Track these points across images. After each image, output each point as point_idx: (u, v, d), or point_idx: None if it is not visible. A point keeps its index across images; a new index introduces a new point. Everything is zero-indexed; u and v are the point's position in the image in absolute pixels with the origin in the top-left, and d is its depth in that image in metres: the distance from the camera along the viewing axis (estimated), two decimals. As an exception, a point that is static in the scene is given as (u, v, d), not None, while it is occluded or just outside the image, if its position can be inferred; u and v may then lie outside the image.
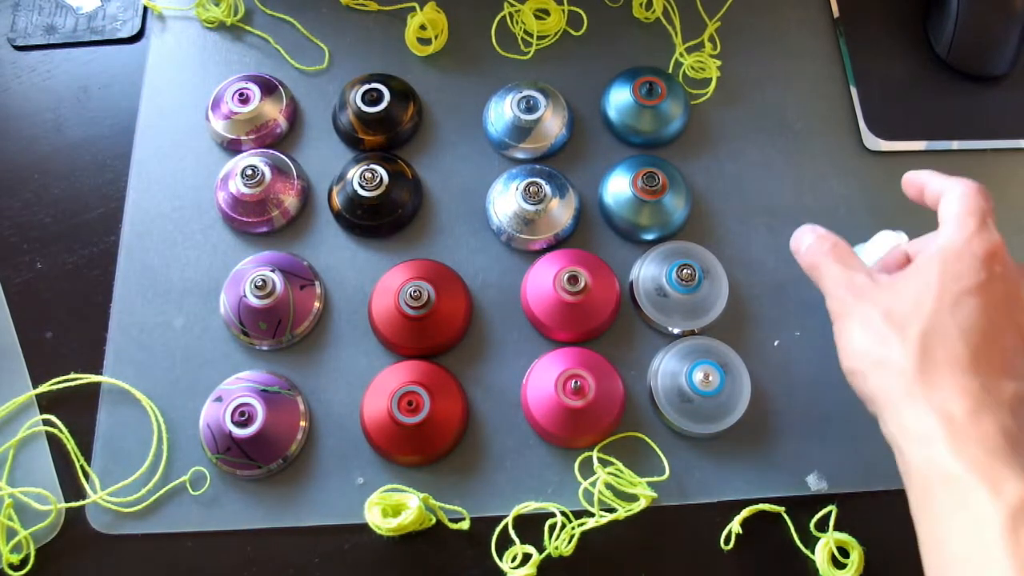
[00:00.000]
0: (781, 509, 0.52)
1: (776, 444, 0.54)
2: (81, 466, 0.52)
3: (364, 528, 0.50)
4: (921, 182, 0.45)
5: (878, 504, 0.53)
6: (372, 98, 0.60)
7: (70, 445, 0.53)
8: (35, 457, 0.53)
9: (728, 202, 0.61)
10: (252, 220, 0.58)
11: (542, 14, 0.66)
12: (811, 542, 0.51)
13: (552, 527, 0.50)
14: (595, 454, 0.52)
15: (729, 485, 0.53)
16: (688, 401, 0.52)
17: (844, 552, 0.51)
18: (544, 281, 0.55)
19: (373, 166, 0.57)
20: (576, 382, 0.51)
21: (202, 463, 0.53)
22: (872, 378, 0.39)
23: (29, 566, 0.50)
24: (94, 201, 0.60)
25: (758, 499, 0.52)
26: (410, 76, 0.64)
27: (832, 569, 0.50)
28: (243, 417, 0.51)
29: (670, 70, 0.65)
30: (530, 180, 0.57)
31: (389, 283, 0.55)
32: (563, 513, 0.51)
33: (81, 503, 0.51)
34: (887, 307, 0.39)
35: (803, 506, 0.52)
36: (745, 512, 0.51)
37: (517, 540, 0.50)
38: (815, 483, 0.53)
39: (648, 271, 0.56)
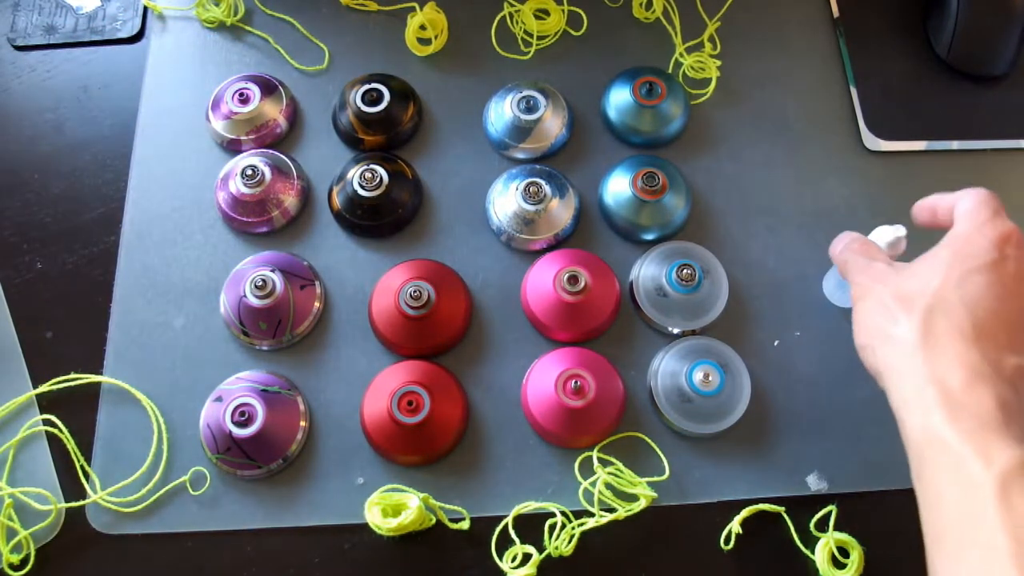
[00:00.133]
0: (781, 509, 0.52)
1: (776, 444, 0.54)
2: (81, 466, 0.52)
3: (364, 528, 0.50)
4: (931, 204, 0.46)
5: (878, 504, 0.53)
6: (372, 98, 0.60)
7: (70, 445, 0.53)
8: (35, 457, 0.53)
9: (728, 202, 0.61)
10: (252, 220, 0.58)
11: (542, 14, 0.66)
12: (811, 542, 0.51)
13: (552, 527, 0.50)
14: (595, 454, 0.52)
15: (729, 485, 0.53)
16: (688, 401, 0.52)
17: (844, 552, 0.51)
18: (544, 281, 0.55)
19: (373, 166, 0.57)
20: (576, 382, 0.51)
21: (202, 463, 0.53)
22: (879, 351, 0.41)
23: (29, 566, 0.50)
24: (94, 201, 0.60)
25: (758, 499, 0.52)
26: (410, 76, 0.64)
27: (832, 569, 0.50)
28: (243, 417, 0.51)
29: (670, 70, 0.65)
30: (530, 180, 0.57)
31: (389, 283, 0.55)
32: (563, 513, 0.51)
33: (81, 503, 0.51)
34: (898, 287, 0.42)
35: (803, 506, 0.52)
36: (745, 512, 0.51)
37: (517, 540, 0.50)
38: (815, 483, 0.53)
39: (648, 271, 0.56)
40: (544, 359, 0.54)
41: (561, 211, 0.58)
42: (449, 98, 0.63)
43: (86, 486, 0.52)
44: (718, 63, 0.64)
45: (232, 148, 0.61)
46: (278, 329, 0.54)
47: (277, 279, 0.54)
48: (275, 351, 0.56)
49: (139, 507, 0.51)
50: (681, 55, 0.65)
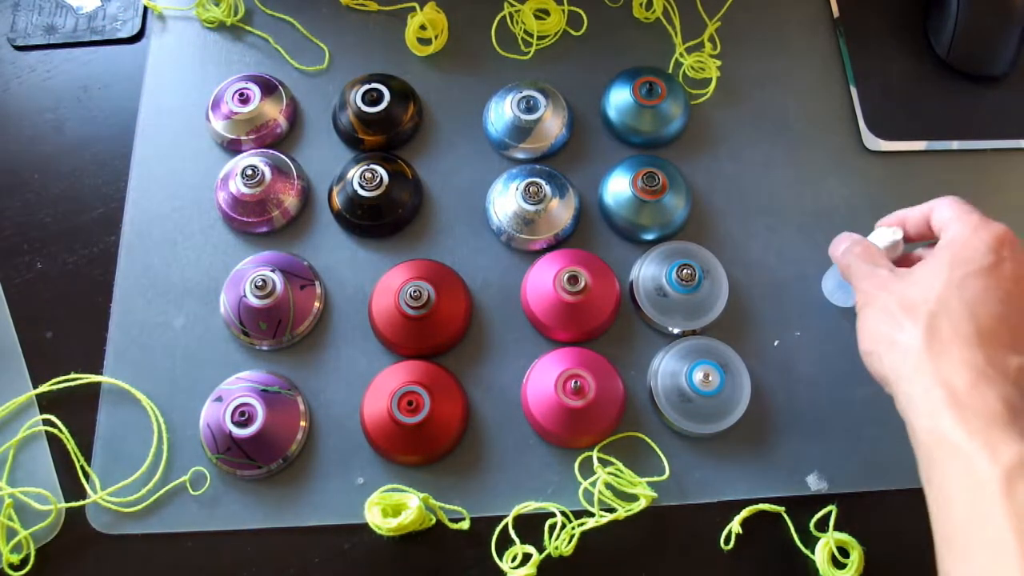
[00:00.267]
0: (781, 509, 0.52)
1: (776, 444, 0.54)
2: (81, 466, 0.52)
3: (364, 528, 0.50)
4: (899, 217, 0.49)
5: (878, 504, 0.53)
6: (372, 98, 0.60)
7: (70, 445, 0.53)
8: (35, 457, 0.53)
9: (728, 202, 0.61)
10: (252, 220, 0.58)
11: (542, 14, 0.66)
12: (811, 542, 0.51)
13: (552, 527, 0.50)
14: (595, 454, 0.52)
15: (729, 485, 0.53)
16: (688, 401, 0.52)
17: (844, 552, 0.51)
18: (544, 281, 0.55)
19: (373, 166, 0.57)
20: (576, 382, 0.51)
21: (202, 463, 0.53)
22: (886, 358, 0.42)
23: (29, 566, 0.50)
24: (94, 201, 0.60)
25: (758, 499, 0.52)
26: (410, 76, 0.64)
27: (832, 569, 0.50)
28: (243, 417, 0.51)
29: (670, 70, 0.65)
30: (530, 180, 0.57)
31: (389, 283, 0.55)
32: (563, 513, 0.51)
33: (81, 503, 0.51)
34: (902, 294, 0.42)
35: (803, 506, 0.52)
36: (745, 512, 0.51)
37: (517, 540, 0.50)
38: (815, 483, 0.53)
39: (648, 271, 0.56)
40: (544, 359, 0.54)
41: (561, 211, 0.58)
42: (449, 98, 0.64)
43: (86, 486, 0.52)
44: (718, 63, 0.64)
45: (232, 148, 0.61)
46: (278, 329, 0.54)
47: (277, 279, 0.54)
48: (275, 351, 0.56)
49: (139, 507, 0.51)
50: (681, 55, 0.65)
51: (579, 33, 0.66)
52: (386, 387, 0.52)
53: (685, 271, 0.54)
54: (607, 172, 0.60)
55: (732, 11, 0.67)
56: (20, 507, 0.51)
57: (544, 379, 0.52)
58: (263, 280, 0.53)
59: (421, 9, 0.63)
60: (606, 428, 0.53)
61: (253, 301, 0.53)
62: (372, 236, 0.59)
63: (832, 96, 0.65)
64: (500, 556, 0.50)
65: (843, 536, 0.51)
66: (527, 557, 0.49)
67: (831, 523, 0.51)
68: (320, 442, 0.53)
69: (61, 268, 0.58)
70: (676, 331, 0.56)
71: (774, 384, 0.55)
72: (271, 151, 0.60)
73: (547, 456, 0.53)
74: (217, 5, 0.65)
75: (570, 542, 0.50)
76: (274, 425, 0.51)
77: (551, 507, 0.51)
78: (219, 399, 0.52)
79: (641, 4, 0.66)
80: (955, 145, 0.63)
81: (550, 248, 0.58)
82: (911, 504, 0.53)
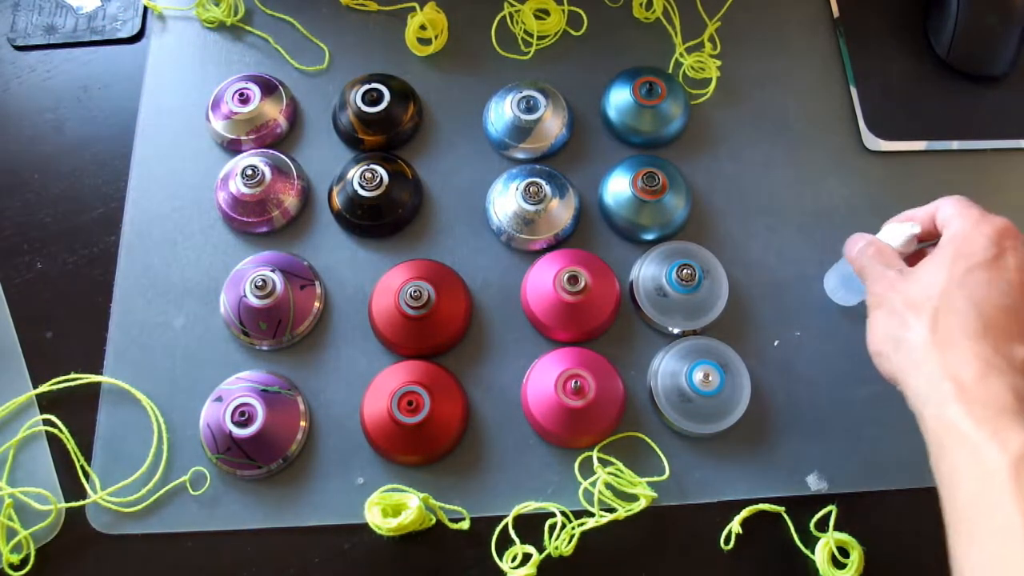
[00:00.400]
0: (781, 509, 0.52)
1: (776, 444, 0.54)
2: (81, 466, 0.52)
3: (364, 528, 0.50)
4: (906, 217, 0.48)
5: (878, 504, 0.53)
6: (372, 98, 0.60)
7: (70, 445, 0.53)
8: (35, 457, 0.53)
9: (728, 202, 0.61)
10: (252, 220, 0.58)
11: (542, 14, 0.66)
12: (811, 542, 0.51)
13: (552, 527, 0.50)
14: (595, 454, 0.52)
15: (729, 485, 0.53)
16: (688, 401, 0.52)
17: (844, 552, 0.51)
18: (544, 281, 0.55)
19: (373, 166, 0.57)
20: (576, 382, 0.51)
21: (202, 463, 0.53)
22: (894, 357, 0.42)
23: (29, 566, 0.50)
24: (94, 201, 0.60)
25: (758, 499, 0.52)
26: (410, 76, 0.64)
27: (832, 569, 0.50)
28: (243, 417, 0.51)
29: (670, 70, 0.65)
30: (530, 180, 0.57)
31: (389, 283, 0.55)
32: (563, 513, 0.51)
33: (81, 503, 0.51)
34: (906, 293, 0.43)
35: (803, 506, 0.52)
36: (745, 512, 0.51)
37: (517, 540, 0.50)
38: (815, 483, 0.53)
39: (648, 271, 0.56)
40: (544, 359, 0.54)
41: (561, 211, 0.58)
42: (449, 98, 0.64)
43: (86, 486, 0.52)
44: (718, 63, 0.64)
45: (232, 148, 0.61)
46: (278, 329, 0.54)
47: (277, 279, 0.54)
48: (275, 351, 0.56)
49: (139, 507, 0.51)
50: (681, 55, 0.65)
51: (579, 33, 0.66)
52: (386, 387, 0.52)
53: (685, 271, 0.54)
54: (607, 172, 0.60)
55: (732, 11, 0.67)
56: (20, 507, 0.51)
57: (544, 379, 0.52)
58: (263, 280, 0.53)
59: (421, 9, 0.63)
60: (606, 428, 0.53)
61: (253, 301, 0.53)
62: (372, 236, 0.59)
63: (832, 96, 0.65)
64: (500, 556, 0.50)
65: (843, 536, 0.51)
66: (527, 557, 0.49)
67: (831, 523, 0.51)
68: (320, 442, 0.53)
69: (61, 268, 0.58)
70: (676, 331, 0.56)
71: (774, 384, 0.55)
72: (271, 151, 0.60)
73: (547, 456, 0.53)
74: (217, 5, 0.65)
75: (570, 542, 0.50)
76: (274, 425, 0.51)
77: (551, 507, 0.51)
78: (219, 399, 0.52)
79: (641, 4, 0.66)
80: (955, 145, 0.63)
81: (550, 248, 0.58)
82: (911, 504, 0.53)
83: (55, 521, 0.51)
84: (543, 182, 0.57)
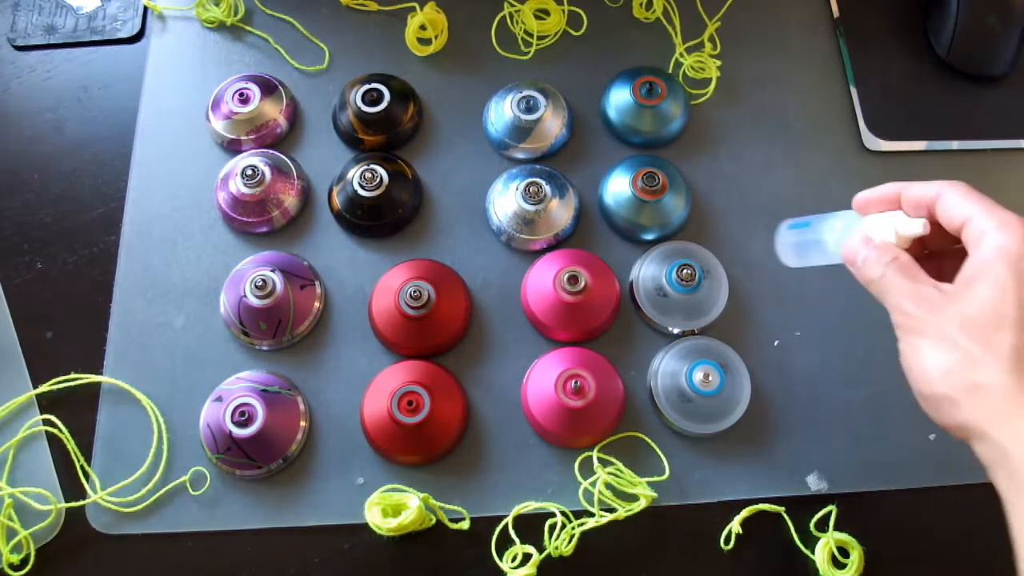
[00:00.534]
0: (781, 509, 0.52)
1: (776, 444, 0.54)
2: (81, 466, 0.52)
3: (364, 528, 0.50)
4: (888, 195, 0.41)
5: (878, 504, 0.53)
6: (372, 98, 0.60)
7: (70, 445, 0.53)
8: (35, 457, 0.53)
9: (728, 202, 0.61)
10: (252, 220, 0.58)
11: (542, 14, 0.66)
12: (811, 542, 0.51)
13: (552, 527, 0.50)
14: (595, 454, 0.52)
15: (729, 485, 0.53)
16: (688, 401, 0.52)
17: (844, 552, 0.51)
18: (544, 281, 0.55)
19: (373, 166, 0.57)
20: (576, 382, 0.51)
21: (202, 463, 0.53)
22: (966, 406, 0.35)
23: (29, 566, 0.50)
24: (94, 201, 0.60)
25: (758, 499, 0.52)
26: (410, 76, 0.64)
27: (832, 569, 0.50)
28: (243, 417, 0.51)
29: (670, 70, 0.65)
30: (530, 180, 0.57)
31: (389, 283, 0.55)
32: (563, 513, 0.51)
33: (81, 503, 0.51)
34: (964, 319, 0.35)
35: (803, 506, 0.52)
36: (745, 512, 0.51)
37: (517, 540, 0.50)
38: (815, 483, 0.53)
39: (648, 271, 0.56)
40: (544, 359, 0.54)
41: (561, 211, 0.58)
42: (449, 98, 0.63)
43: (86, 486, 0.52)
44: (718, 63, 0.64)
45: (232, 148, 0.61)
46: (278, 329, 0.54)
47: (277, 279, 0.54)
48: (275, 351, 0.56)
49: (139, 507, 0.51)
50: (681, 55, 0.65)
51: (579, 33, 0.66)
52: (386, 387, 0.52)
53: (685, 271, 0.54)
54: (607, 172, 0.60)
55: (732, 11, 0.67)
56: (20, 507, 0.51)
57: (544, 379, 0.52)
58: (263, 280, 0.53)
59: (421, 9, 0.63)
60: (606, 428, 0.53)
61: (253, 301, 0.53)
62: (372, 236, 0.59)
63: (832, 96, 0.65)
64: (500, 556, 0.50)
65: (843, 536, 0.51)
66: (527, 557, 0.49)
67: (831, 523, 0.51)
68: (320, 442, 0.53)
69: (61, 268, 0.58)
70: (676, 331, 0.56)
71: (774, 384, 0.55)
72: (271, 151, 0.60)
73: (547, 456, 0.53)
74: (217, 5, 0.65)
75: (570, 542, 0.50)
76: (274, 425, 0.51)
77: (551, 507, 0.51)
78: (219, 399, 0.52)
79: (641, 4, 0.66)
80: (955, 145, 0.63)
81: (550, 248, 0.58)
82: (911, 504, 0.53)
83: (55, 521, 0.51)
84: (543, 182, 0.57)
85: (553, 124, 0.60)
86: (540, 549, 0.50)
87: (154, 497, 0.52)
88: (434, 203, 0.60)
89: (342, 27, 0.66)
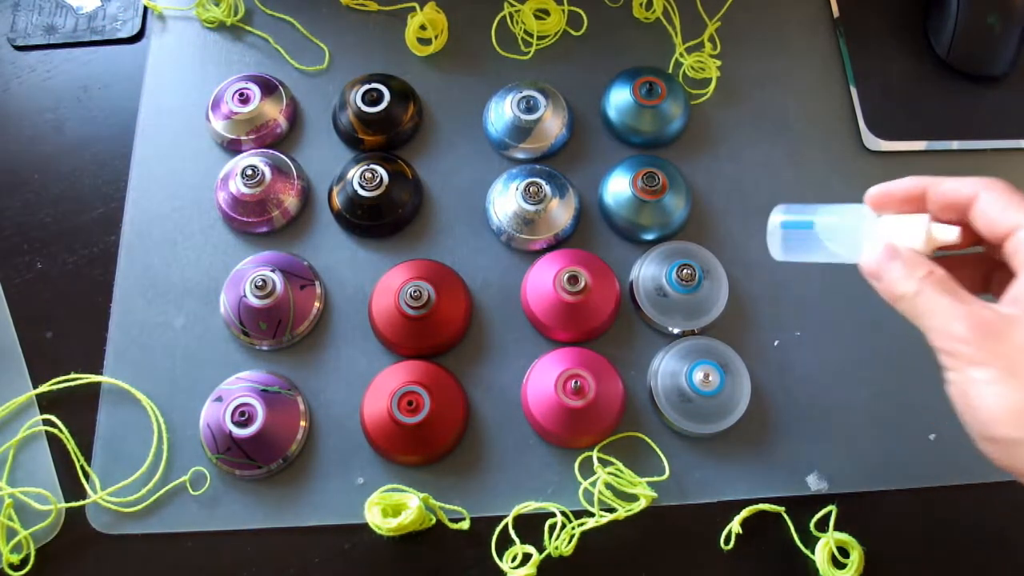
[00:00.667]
0: (781, 509, 0.52)
1: (776, 444, 0.54)
2: (81, 466, 0.52)
3: (364, 528, 0.50)
4: (920, 185, 0.36)
5: (878, 504, 0.53)
6: (372, 98, 0.60)
7: (70, 445, 0.53)
8: (35, 457, 0.53)
9: (728, 202, 0.61)
10: (252, 220, 0.58)
11: (542, 14, 0.66)
12: (811, 542, 0.51)
13: (552, 527, 0.50)
14: (595, 454, 0.52)
15: (729, 485, 0.53)
16: (688, 401, 0.52)
17: (844, 552, 0.51)
18: (544, 281, 0.55)
19: (373, 166, 0.57)
20: (576, 382, 0.51)
21: (202, 463, 0.53)
22: None
23: (29, 566, 0.50)
24: (94, 201, 0.60)
25: (758, 499, 0.52)
26: (410, 76, 0.64)
27: (832, 569, 0.50)
28: (243, 417, 0.51)
29: (670, 70, 0.65)
30: (530, 180, 0.57)
31: (389, 283, 0.55)
32: (563, 513, 0.51)
33: (81, 503, 0.51)
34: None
35: (803, 506, 0.52)
36: (745, 512, 0.51)
37: (517, 540, 0.50)
38: (815, 483, 0.53)
39: (648, 271, 0.56)
40: (544, 359, 0.54)
41: (561, 211, 0.58)
42: (449, 98, 0.63)
43: (86, 486, 0.52)
44: (718, 63, 0.64)
45: (232, 148, 0.61)
46: (278, 329, 0.54)
47: (277, 279, 0.54)
48: (275, 351, 0.56)
49: (139, 507, 0.51)
50: (681, 55, 0.65)
51: (579, 33, 0.66)
52: (386, 387, 0.52)
53: (685, 271, 0.54)
54: (607, 172, 0.60)
55: (732, 11, 0.67)
56: (20, 507, 0.51)
57: (544, 379, 0.52)
58: (263, 280, 0.53)
59: (421, 9, 0.63)
60: (606, 428, 0.53)
61: (253, 301, 0.53)
62: (372, 236, 0.59)
63: (832, 96, 0.65)
64: (500, 556, 0.50)
65: (843, 536, 0.51)
66: (527, 557, 0.49)
67: (831, 523, 0.51)
68: (320, 442, 0.53)
69: (61, 268, 0.58)
70: (676, 331, 0.56)
71: (774, 384, 0.55)
72: (271, 151, 0.60)
73: (547, 456, 0.53)
74: (217, 5, 0.65)
75: (570, 542, 0.50)
76: (274, 425, 0.51)
77: (551, 507, 0.51)
78: (219, 399, 0.52)
79: (641, 4, 0.66)
80: (955, 145, 0.63)
81: (550, 248, 0.58)
82: (911, 504, 0.53)
83: (55, 521, 0.51)
84: (543, 182, 0.57)
85: (553, 124, 0.60)
86: (540, 549, 0.50)
87: (154, 497, 0.52)
88: (434, 203, 0.60)
89: (342, 27, 0.66)
